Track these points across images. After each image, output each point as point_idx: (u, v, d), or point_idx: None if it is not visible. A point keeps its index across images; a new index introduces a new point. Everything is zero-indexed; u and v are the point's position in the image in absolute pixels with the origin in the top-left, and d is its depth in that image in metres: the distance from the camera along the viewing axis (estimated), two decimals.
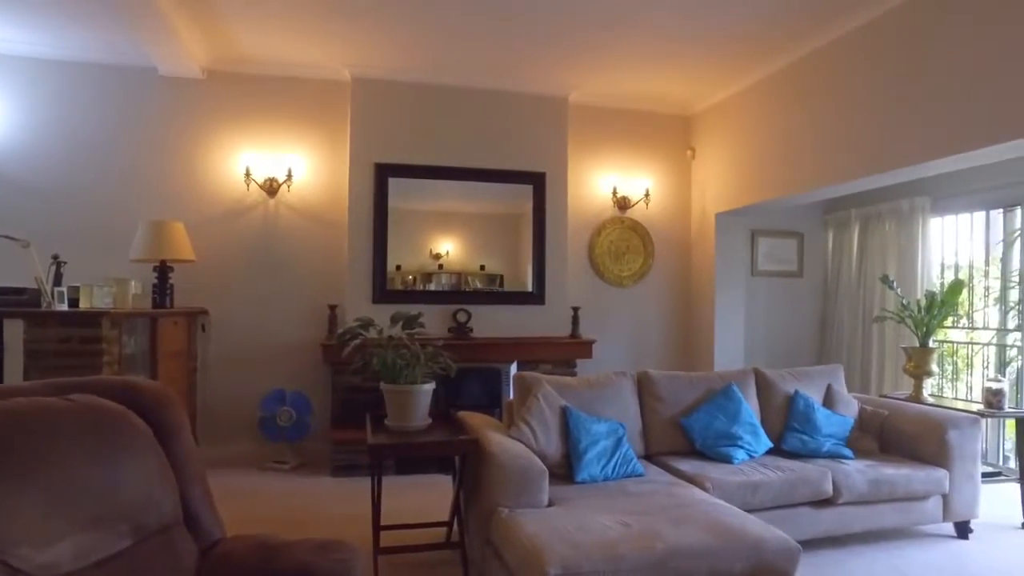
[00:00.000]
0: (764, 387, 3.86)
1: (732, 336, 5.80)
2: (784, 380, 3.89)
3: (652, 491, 2.88)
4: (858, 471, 3.34)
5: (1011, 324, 5.09)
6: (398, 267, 5.23)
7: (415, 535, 3.21)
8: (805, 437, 3.59)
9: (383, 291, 5.13)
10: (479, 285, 5.42)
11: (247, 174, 5.03)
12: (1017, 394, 4.92)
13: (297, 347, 5.15)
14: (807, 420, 3.64)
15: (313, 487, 4.41)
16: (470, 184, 5.34)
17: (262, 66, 5.03)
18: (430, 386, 3.08)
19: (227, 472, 4.55)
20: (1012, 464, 4.77)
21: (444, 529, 3.23)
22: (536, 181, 5.44)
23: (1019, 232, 5.05)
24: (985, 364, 5.30)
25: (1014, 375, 5.04)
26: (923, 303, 4.24)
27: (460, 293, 5.34)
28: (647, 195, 5.87)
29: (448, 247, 5.36)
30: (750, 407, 3.67)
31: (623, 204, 5.87)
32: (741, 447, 3.43)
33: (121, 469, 1.60)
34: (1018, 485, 3.93)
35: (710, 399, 3.65)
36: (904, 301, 4.37)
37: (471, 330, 5.17)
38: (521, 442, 3.03)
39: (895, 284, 4.52)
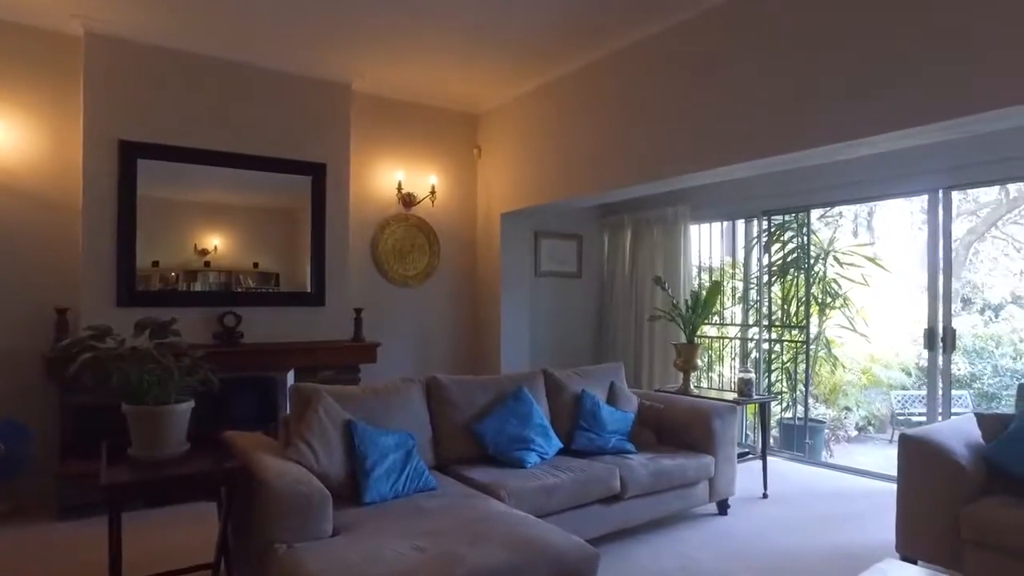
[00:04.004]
0: (553, 388, 3.90)
1: (517, 336, 5.87)
2: (571, 380, 3.97)
3: (447, 506, 2.70)
4: (641, 464, 3.49)
5: (751, 320, 5.81)
6: (155, 263, 4.46)
7: None
8: (592, 435, 3.68)
9: (131, 292, 4.33)
10: (252, 284, 4.84)
11: None
12: (758, 381, 5.62)
13: (9, 360, 4.13)
14: (594, 418, 3.74)
15: (33, 536, 3.54)
16: (242, 173, 4.73)
17: None
18: (187, 405, 2.59)
19: None
20: (751, 442, 5.45)
21: (208, 573, 2.74)
22: (315, 172, 5.00)
23: (756, 240, 5.78)
24: (733, 356, 6.00)
25: (752, 365, 5.76)
26: (689, 303, 4.63)
27: (230, 294, 4.71)
28: (433, 192, 5.71)
29: (216, 242, 4.71)
30: (540, 409, 3.68)
31: (408, 201, 5.65)
32: (533, 450, 3.40)
33: None
34: (760, 461, 4.46)
35: (502, 402, 3.58)
36: (674, 301, 4.73)
37: (241, 335, 4.58)
38: (300, 463, 2.67)
39: (666, 285, 4.88)
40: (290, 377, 4.65)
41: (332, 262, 5.04)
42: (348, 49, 4.62)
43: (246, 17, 4.12)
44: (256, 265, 4.87)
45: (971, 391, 7.69)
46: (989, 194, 8.82)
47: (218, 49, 4.55)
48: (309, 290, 4.97)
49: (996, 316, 8.96)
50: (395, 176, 5.59)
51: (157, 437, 2.52)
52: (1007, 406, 7.39)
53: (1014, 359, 8.13)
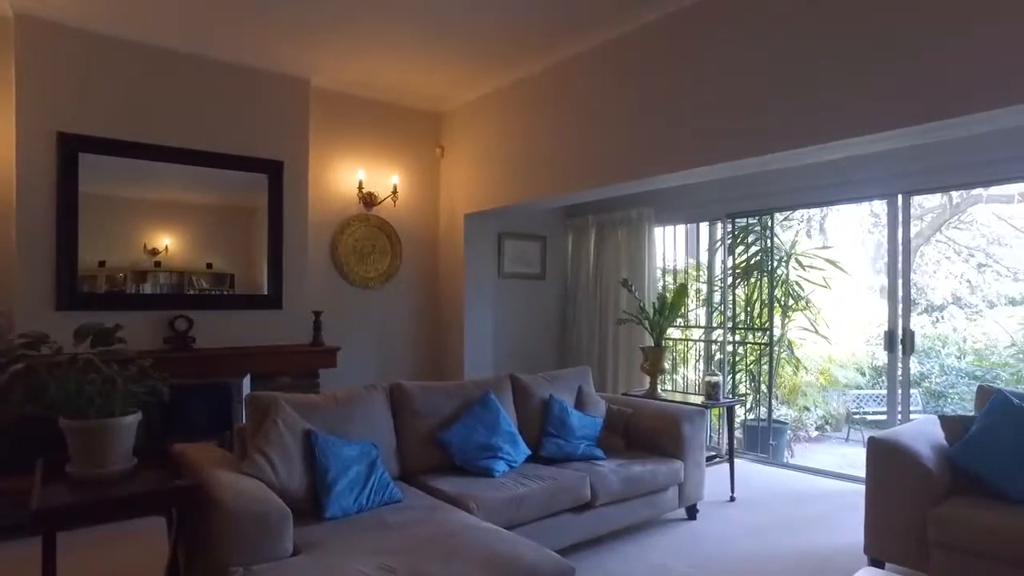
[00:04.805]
0: (520, 393, 3.81)
1: (481, 338, 5.76)
2: (539, 385, 3.88)
3: (414, 520, 2.58)
4: (612, 471, 3.42)
5: (715, 322, 5.83)
6: (101, 263, 4.20)
7: None
8: (561, 441, 3.60)
9: (73, 295, 4.06)
10: (205, 286, 4.61)
11: None
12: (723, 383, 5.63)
13: None
14: (562, 424, 3.66)
15: None
16: (195, 169, 4.50)
17: None
18: (133, 418, 2.41)
19: None
20: (714, 443, 5.45)
21: None
22: (272, 170, 4.80)
23: (720, 243, 5.80)
24: (697, 358, 6.01)
25: (717, 367, 5.77)
26: (656, 305, 4.59)
27: (182, 296, 4.48)
28: (395, 192, 5.56)
29: (167, 241, 4.47)
30: (508, 415, 3.58)
31: (369, 200, 5.48)
32: (501, 458, 3.30)
33: None
34: (724, 464, 4.45)
35: (468, 409, 3.47)
36: (641, 304, 4.69)
37: (193, 340, 4.36)
38: (258, 479, 2.51)
39: (633, 288, 4.83)
40: (246, 383, 4.45)
41: (290, 263, 4.85)
42: (307, 43, 4.45)
43: (197, 6, 3.92)
44: (210, 266, 4.65)
45: (920, 390, 7.91)
46: (932, 200, 9.10)
47: (167, 39, 4.31)
48: (266, 292, 4.77)
49: (942, 316, 9.27)
50: (356, 175, 5.42)
51: (99, 453, 2.33)
52: (953, 404, 7.63)
53: (959, 358, 8.41)
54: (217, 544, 2.19)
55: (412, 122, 5.81)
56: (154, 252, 4.43)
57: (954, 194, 8.41)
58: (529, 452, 3.51)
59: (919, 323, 8.83)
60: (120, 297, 4.27)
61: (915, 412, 5.05)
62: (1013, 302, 8.95)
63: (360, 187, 5.41)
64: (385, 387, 3.38)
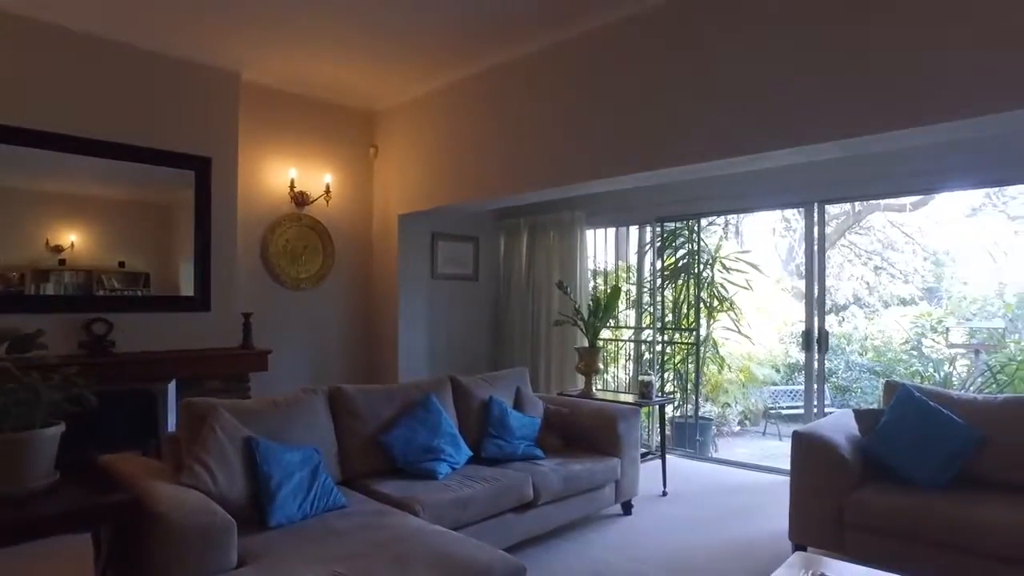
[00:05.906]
0: (461, 394, 3.82)
1: (415, 340, 5.73)
2: (478, 386, 3.90)
3: (361, 525, 2.54)
4: (552, 470, 3.48)
5: (645, 323, 6.02)
6: None
7: None
8: (501, 442, 3.63)
9: None
10: (117, 286, 4.36)
11: None
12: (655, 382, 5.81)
13: None
14: (502, 425, 3.70)
15: None
16: (108, 162, 4.25)
17: None
18: (56, 430, 2.25)
19: None
20: (644, 440, 5.63)
21: None
22: (200, 166, 4.61)
23: (649, 246, 6.00)
24: (627, 358, 6.18)
25: (647, 366, 5.96)
26: (591, 306, 4.70)
27: (93, 297, 4.22)
28: (328, 191, 5.44)
29: (73, 238, 4.20)
30: (449, 417, 3.58)
31: (301, 200, 5.35)
32: (444, 460, 3.30)
33: None
34: (659, 461, 4.60)
35: (410, 412, 3.45)
36: (576, 305, 4.79)
37: (113, 344, 4.13)
38: (197, 489, 2.42)
39: (568, 290, 4.92)
40: (170, 389, 4.25)
41: (218, 264, 4.67)
42: (237, 35, 4.27)
43: None
44: (122, 264, 4.39)
45: (828, 385, 8.43)
46: (837, 208, 9.74)
47: (85, 22, 4.05)
48: (192, 293, 4.57)
49: (845, 316, 9.94)
50: (287, 174, 5.28)
51: (18, 469, 2.16)
52: (857, 397, 8.19)
53: (861, 355, 9.03)
54: (156, 559, 2.10)
55: (345, 121, 5.71)
56: (58, 249, 4.15)
57: (856, 203, 9.02)
58: (470, 454, 3.52)
59: (828, 322, 9.42)
60: (20, 298, 3.96)
61: (827, 407, 5.43)
62: (904, 302, 9.71)
63: (292, 186, 5.28)
64: (324, 390, 3.32)
